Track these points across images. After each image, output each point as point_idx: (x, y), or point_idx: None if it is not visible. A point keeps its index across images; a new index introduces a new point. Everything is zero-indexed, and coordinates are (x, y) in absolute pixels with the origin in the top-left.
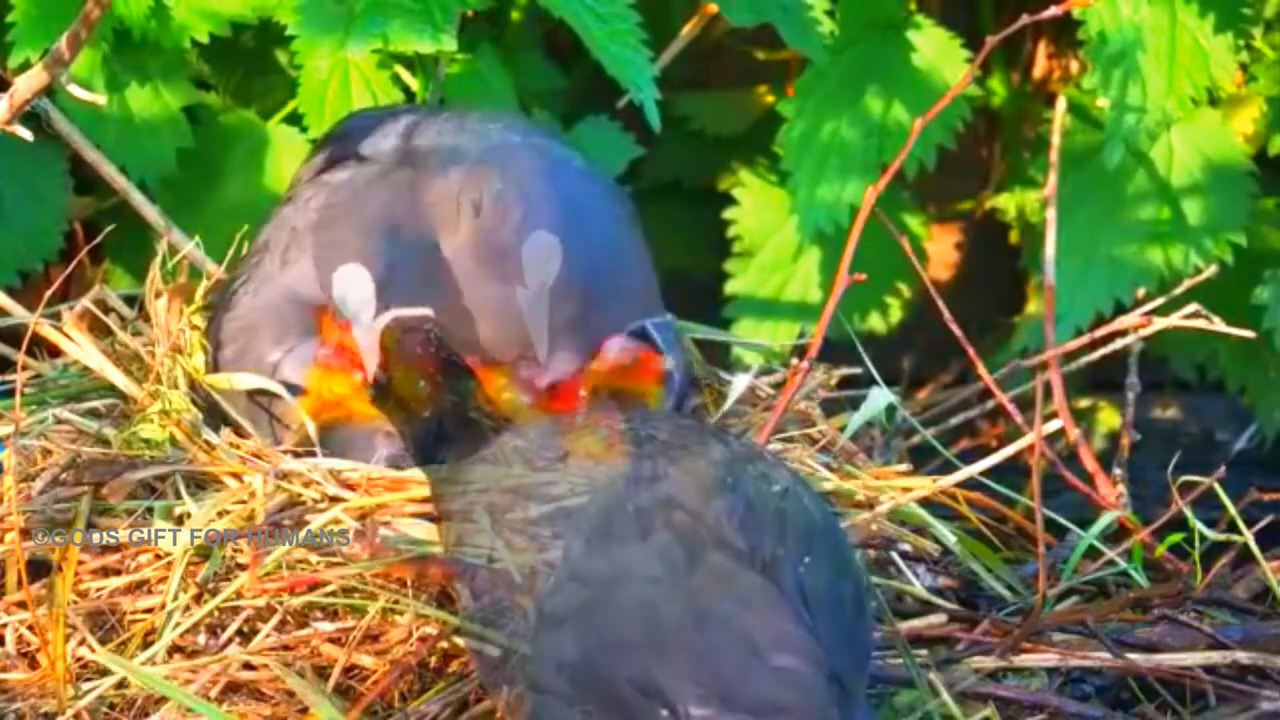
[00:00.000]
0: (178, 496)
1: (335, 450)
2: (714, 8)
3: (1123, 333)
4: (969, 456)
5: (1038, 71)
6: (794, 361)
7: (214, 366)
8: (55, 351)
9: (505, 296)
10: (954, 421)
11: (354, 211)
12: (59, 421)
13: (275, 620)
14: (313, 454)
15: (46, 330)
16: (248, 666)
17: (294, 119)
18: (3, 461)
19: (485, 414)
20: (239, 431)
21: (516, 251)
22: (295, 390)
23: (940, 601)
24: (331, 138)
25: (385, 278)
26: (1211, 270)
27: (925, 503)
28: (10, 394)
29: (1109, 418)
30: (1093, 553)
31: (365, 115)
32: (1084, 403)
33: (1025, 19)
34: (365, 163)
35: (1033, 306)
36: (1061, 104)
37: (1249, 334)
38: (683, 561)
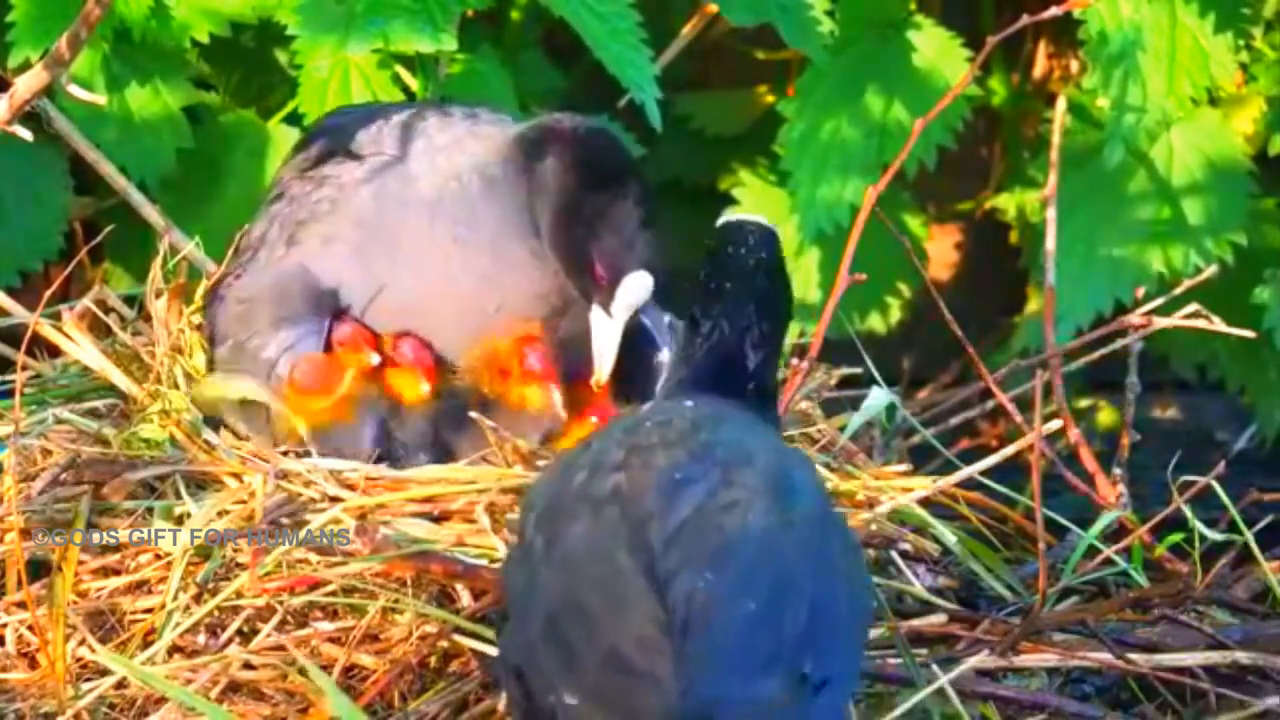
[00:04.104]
0: (178, 496)
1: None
2: (714, 8)
3: (1123, 333)
4: (969, 456)
5: (1038, 71)
6: (794, 361)
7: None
8: (55, 351)
9: (477, 291)
10: (954, 421)
11: (350, 206)
12: (59, 421)
13: (275, 620)
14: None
15: (46, 330)
16: (248, 666)
17: (294, 119)
18: (3, 461)
19: None
20: (238, 432)
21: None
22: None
23: (940, 601)
24: (314, 135)
25: (379, 271)
26: (1211, 270)
27: (925, 503)
28: (10, 394)
29: (1109, 418)
30: (1093, 552)
31: (348, 112)
32: (1084, 403)
33: (1025, 19)
34: (357, 159)
35: (1033, 306)
36: (1061, 104)
37: (1249, 334)
38: (587, 556)
